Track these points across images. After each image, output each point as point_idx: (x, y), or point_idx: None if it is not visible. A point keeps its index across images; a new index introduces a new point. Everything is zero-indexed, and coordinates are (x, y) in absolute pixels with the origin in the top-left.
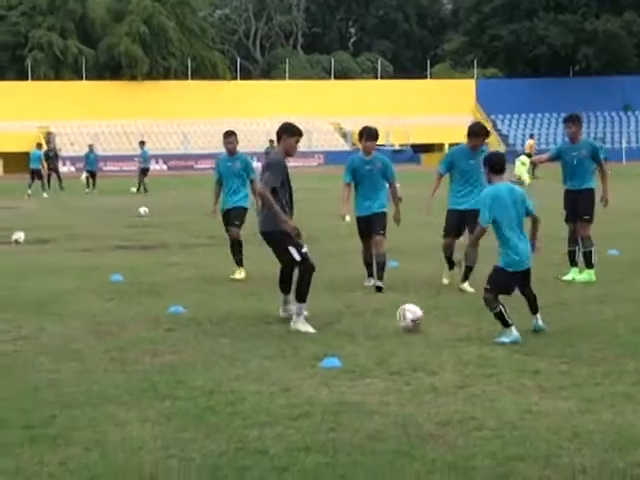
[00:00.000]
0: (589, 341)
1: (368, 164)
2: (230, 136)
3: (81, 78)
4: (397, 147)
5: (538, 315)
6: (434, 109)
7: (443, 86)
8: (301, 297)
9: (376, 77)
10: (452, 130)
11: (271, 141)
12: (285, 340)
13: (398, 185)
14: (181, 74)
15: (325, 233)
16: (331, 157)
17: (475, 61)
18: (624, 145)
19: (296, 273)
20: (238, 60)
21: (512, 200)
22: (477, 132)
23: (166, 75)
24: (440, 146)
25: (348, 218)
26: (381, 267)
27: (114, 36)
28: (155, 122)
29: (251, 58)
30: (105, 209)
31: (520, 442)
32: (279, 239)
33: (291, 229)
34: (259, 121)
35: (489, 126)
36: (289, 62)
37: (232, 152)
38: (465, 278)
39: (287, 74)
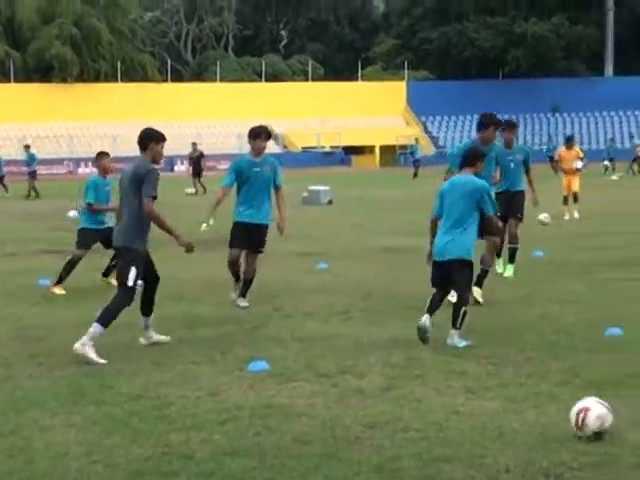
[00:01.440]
0: (515, 342)
1: (257, 166)
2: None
3: (9, 81)
4: (328, 149)
5: (454, 332)
6: (365, 111)
7: (374, 88)
8: (105, 322)
9: (307, 79)
10: (383, 132)
11: (194, 144)
12: (213, 344)
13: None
14: (111, 76)
15: None
16: None
17: (406, 63)
18: (552, 146)
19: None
20: (169, 62)
21: (460, 193)
22: (487, 123)
23: (96, 77)
24: (371, 148)
25: (204, 226)
26: (248, 283)
27: (44, 38)
28: (85, 125)
29: (182, 60)
30: (32, 213)
31: (445, 443)
32: (128, 256)
33: (186, 245)
34: (190, 124)
35: (419, 128)
36: (220, 64)
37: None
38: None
39: (218, 76)
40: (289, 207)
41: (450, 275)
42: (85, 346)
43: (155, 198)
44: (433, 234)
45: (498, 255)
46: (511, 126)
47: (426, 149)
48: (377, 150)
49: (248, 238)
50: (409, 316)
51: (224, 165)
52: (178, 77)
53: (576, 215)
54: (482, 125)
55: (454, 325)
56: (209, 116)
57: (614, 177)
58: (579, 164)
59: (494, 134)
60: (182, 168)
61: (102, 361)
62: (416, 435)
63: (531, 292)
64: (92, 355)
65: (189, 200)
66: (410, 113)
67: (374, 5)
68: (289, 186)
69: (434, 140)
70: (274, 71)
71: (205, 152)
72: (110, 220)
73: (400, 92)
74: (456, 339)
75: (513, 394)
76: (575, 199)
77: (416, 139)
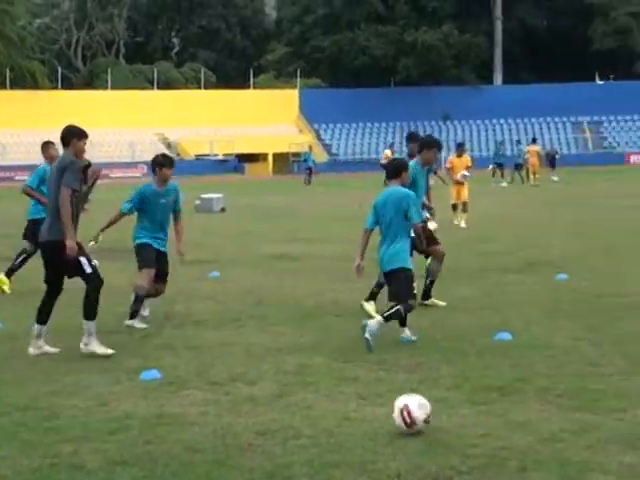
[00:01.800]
0: (407, 347)
1: (162, 197)
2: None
3: None
4: (221, 157)
5: (405, 328)
6: (258, 119)
7: (266, 96)
8: (92, 315)
9: (200, 87)
10: (276, 140)
11: None
12: None
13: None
14: None
15: None
16: None
17: (298, 71)
18: (443, 154)
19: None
20: (59, 69)
21: (391, 204)
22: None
23: None
24: (264, 155)
25: (92, 244)
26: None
27: None
28: None
29: (72, 67)
30: None
31: (336, 449)
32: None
33: (69, 249)
34: None
35: (312, 135)
36: (111, 71)
37: None
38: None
39: (109, 84)
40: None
41: (389, 284)
42: (91, 344)
43: (75, 191)
44: (363, 245)
45: None
46: (413, 139)
47: (319, 157)
48: (270, 158)
49: (157, 263)
50: (301, 324)
51: (117, 173)
52: (69, 85)
53: (463, 224)
54: (425, 146)
55: (385, 318)
56: (101, 124)
57: (503, 184)
58: (465, 174)
59: (436, 156)
60: None
61: (110, 351)
62: (307, 442)
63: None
64: (101, 350)
65: None
66: (303, 121)
67: (265, 13)
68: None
69: (327, 148)
70: (166, 79)
71: (97, 160)
72: None
73: (293, 100)
74: (407, 332)
75: None
76: (464, 209)
77: (309, 147)
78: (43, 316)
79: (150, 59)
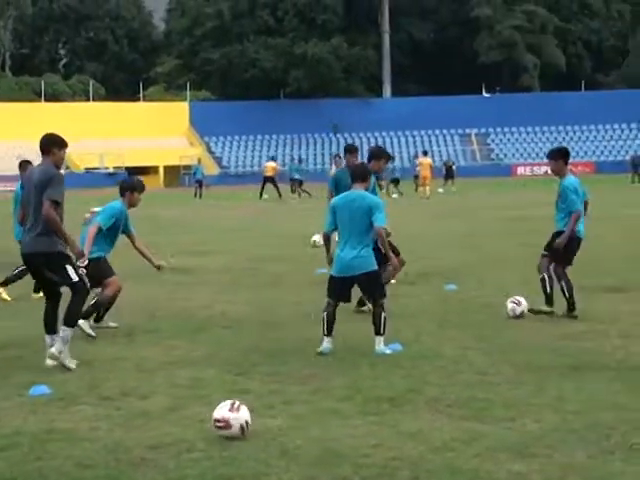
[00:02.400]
0: (299, 359)
1: (127, 218)
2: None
3: None
4: (111, 170)
5: (379, 339)
6: (148, 132)
7: (157, 109)
8: (73, 322)
9: (88, 99)
10: (166, 152)
11: None
12: None
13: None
14: None
15: None
16: None
17: (188, 84)
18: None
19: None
20: None
21: (356, 207)
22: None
23: None
24: (155, 168)
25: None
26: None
27: None
28: None
29: None
30: None
31: (229, 462)
32: (58, 259)
33: (79, 254)
34: None
35: (203, 148)
36: None
37: None
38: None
39: None
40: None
41: (360, 288)
42: (61, 352)
43: (57, 203)
44: (327, 245)
45: None
46: (351, 151)
47: (210, 169)
48: (161, 170)
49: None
50: (193, 336)
51: (1, 187)
52: None
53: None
54: (374, 156)
55: (378, 332)
56: None
57: (394, 195)
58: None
59: (384, 166)
60: None
61: (74, 366)
62: (201, 455)
63: (316, 310)
64: (70, 363)
65: None
66: (193, 133)
67: (154, 25)
68: (73, 207)
69: (217, 160)
70: (54, 91)
71: None
72: None
73: (183, 112)
74: (382, 346)
75: (297, 411)
76: None
77: (199, 159)
78: (50, 326)
79: (37, 71)
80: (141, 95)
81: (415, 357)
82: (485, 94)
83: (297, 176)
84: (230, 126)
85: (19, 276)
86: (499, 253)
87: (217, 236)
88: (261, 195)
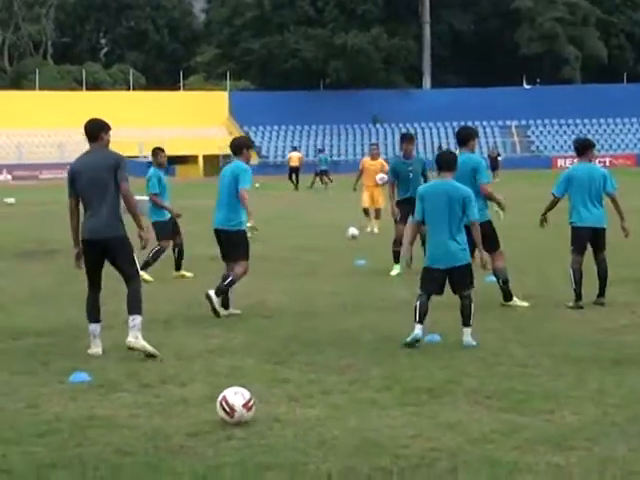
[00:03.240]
0: (337, 349)
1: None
2: (162, 151)
3: None
4: (151, 159)
5: (467, 330)
6: (188, 121)
7: (196, 98)
8: (139, 309)
9: (128, 88)
10: (206, 142)
11: None
12: (34, 355)
13: None
14: None
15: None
16: None
17: (228, 73)
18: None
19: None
20: None
21: (446, 198)
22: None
23: None
24: (195, 158)
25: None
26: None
27: None
28: None
29: None
30: None
31: (268, 450)
32: (129, 246)
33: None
34: (9, 132)
35: None
36: (39, 72)
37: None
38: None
39: (37, 84)
40: None
41: (454, 280)
42: (138, 339)
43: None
44: (413, 238)
45: (397, 261)
46: (409, 139)
47: (254, 160)
48: (201, 160)
49: None
50: (232, 325)
51: (46, 175)
52: None
53: (376, 230)
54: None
55: (467, 324)
56: (29, 125)
57: None
58: (383, 178)
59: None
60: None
61: (157, 353)
62: (239, 443)
63: (352, 300)
64: (151, 348)
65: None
66: (233, 123)
67: (194, 15)
68: None
69: (257, 150)
70: (95, 80)
71: (26, 162)
72: None
73: (222, 102)
74: (470, 338)
75: (335, 401)
76: (377, 215)
77: None
78: (94, 314)
79: (78, 60)
80: (181, 84)
81: (454, 348)
82: (526, 86)
83: (324, 167)
84: (269, 116)
85: (155, 258)
86: (540, 245)
87: (256, 225)
88: (297, 185)
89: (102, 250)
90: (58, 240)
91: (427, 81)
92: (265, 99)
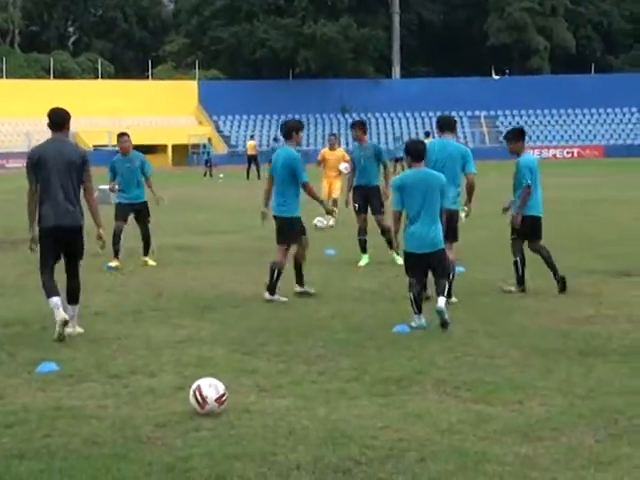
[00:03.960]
0: (307, 339)
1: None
2: (123, 136)
3: None
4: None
5: (442, 299)
6: (156, 110)
7: (165, 87)
8: (77, 299)
9: (97, 77)
10: (175, 131)
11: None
12: (0, 346)
13: None
14: None
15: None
16: None
17: (197, 62)
18: (342, 146)
19: None
20: None
21: (424, 186)
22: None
23: None
24: (164, 147)
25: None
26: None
27: None
28: None
29: None
30: None
31: (237, 441)
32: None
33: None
34: None
35: (211, 127)
36: (6, 60)
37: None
38: None
39: (4, 73)
40: None
41: (432, 265)
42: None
43: None
44: (398, 227)
45: (364, 250)
46: (359, 126)
47: (219, 148)
48: (170, 149)
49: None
50: (201, 315)
51: (12, 164)
52: None
53: (332, 222)
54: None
55: (443, 294)
56: None
57: None
58: (347, 167)
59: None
60: None
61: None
62: (208, 434)
63: (322, 290)
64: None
65: None
66: (202, 112)
67: (163, 4)
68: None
69: (226, 139)
70: (63, 68)
71: None
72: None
73: (192, 91)
74: (443, 305)
75: (304, 391)
76: (334, 204)
77: (209, 139)
78: (55, 289)
79: (46, 48)
80: (150, 73)
81: (422, 339)
82: (494, 76)
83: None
84: (239, 105)
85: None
86: (506, 234)
87: (225, 216)
88: (248, 175)
89: (62, 236)
90: (24, 229)
91: (396, 71)
92: (234, 88)
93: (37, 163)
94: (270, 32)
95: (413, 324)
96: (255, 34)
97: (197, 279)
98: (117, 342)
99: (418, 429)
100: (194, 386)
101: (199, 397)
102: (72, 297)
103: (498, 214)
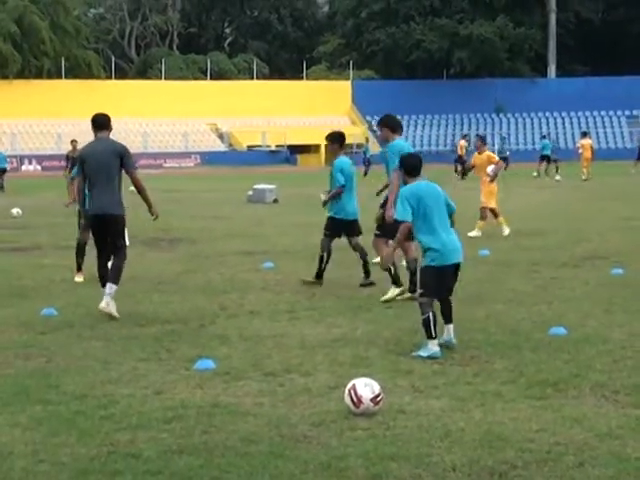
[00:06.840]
0: (461, 341)
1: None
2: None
3: None
4: (273, 148)
5: (451, 327)
6: (310, 110)
7: (319, 87)
8: (118, 279)
9: (252, 78)
10: (328, 131)
11: (73, 142)
12: (160, 342)
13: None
14: (54, 73)
15: (200, 235)
16: (208, 158)
17: (351, 63)
18: (496, 146)
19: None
20: (113, 59)
21: (438, 195)
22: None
23: (38, 74)
24: (316, 147)
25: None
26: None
27: None
28: (28, 122)
29: (126, 58)
30: None
31: (392, 441)
32: (122, 224)
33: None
34: (135, 121)
35: (365, 127)
36: (165, 62)
37: None
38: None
39: (163, 74)
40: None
41: (455, 277)
42: (109, 305)
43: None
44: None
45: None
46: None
47: (372, 148)
48: (322, 149)
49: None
50: (356, 316)
51: (170, 163)
52: (122, 74)
53: (475, 233)
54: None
55: (452, 321)
56: (154, 114)
57: (557, 178)
58: (490, 169)
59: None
60: None
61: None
62: (363, 434)
63: (477, 291)
64: (114, 311)
65: None
66: (355, 112)
67: (318, 5)
68: (234, 184)
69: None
70: (219, 69)
71: (150, 150)
72: None
73: (345, 91)
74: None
75: (459, 393)
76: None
77: (366, 138)
78: (102, 281)
79: (203, 49)
80: (304, 74)
81: (580, 341)
82: None
83: (546, 152)
84: (392, 105)
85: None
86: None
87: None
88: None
89: (104, 224)
90: (181, 228)
91: (552, 70)
92: (388, 88)
93: (84, 160)
94: (426, 33)
95: (423, 353)
96: (411, 35)
97: (351, 278)
98: (272, 340)
99: (576, 433)
100: (349, 385)
101: (354, 396)
102: (110, 275)
103: None
